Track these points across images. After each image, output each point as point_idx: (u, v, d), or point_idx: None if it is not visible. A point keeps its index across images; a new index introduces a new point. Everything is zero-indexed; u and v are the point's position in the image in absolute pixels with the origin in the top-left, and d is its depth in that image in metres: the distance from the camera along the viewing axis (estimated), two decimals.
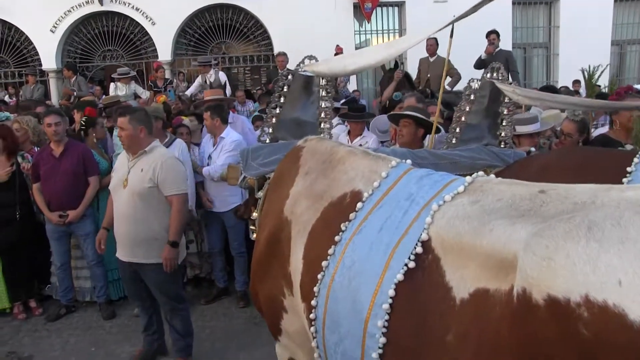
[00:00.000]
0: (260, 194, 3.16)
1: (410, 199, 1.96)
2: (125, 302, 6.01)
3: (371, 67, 3.93)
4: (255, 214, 3.22)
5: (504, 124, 3.81)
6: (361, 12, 13.72)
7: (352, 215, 2.09)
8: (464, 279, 1.61)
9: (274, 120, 3.74)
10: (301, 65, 3.72)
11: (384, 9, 14.33)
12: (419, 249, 1.77)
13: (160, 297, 4.44)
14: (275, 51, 13.37)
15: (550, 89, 7.99)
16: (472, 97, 3.84)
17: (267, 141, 3.71)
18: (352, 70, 3.49)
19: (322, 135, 3.66)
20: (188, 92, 10.44)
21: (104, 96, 11.23)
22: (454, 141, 3.82)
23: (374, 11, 13.85)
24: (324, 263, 2.06)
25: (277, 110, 3.74)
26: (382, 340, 1.76)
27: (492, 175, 1.96)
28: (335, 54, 11.24)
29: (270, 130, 3.73)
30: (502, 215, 1.62)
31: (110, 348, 5.08)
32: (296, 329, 2.48)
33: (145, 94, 10.67)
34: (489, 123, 3.79)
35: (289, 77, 3.73)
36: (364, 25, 14.24)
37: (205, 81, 10.33)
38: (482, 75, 3.86)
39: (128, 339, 5.24)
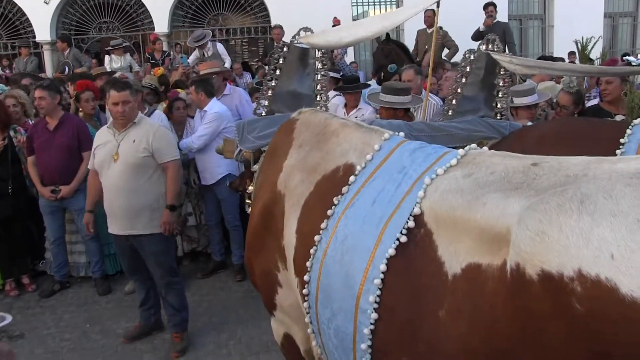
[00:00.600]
0: (256, 167, 3.13)
1: (403, 172, 1.93)
2: (121, 277, 5.99)
3: (367, 39, 3.87)
4: (251, 187, 3.19)
5: (500, 95, 3.77)
6: None
7: (344, 189, 2.06)
8: (456, 254, 1.59)
9: (269, 92, 3.70)
10: (297, 37, 3.66)
11: None
12: (411, 223, 1.74)
13: (155, 270, 4.44)
14: (273, 23, 13.23)
15: (547, 59, 7.94)
16: (467, 68, 3.79)
17: (263, 114, 3.67)
18: (347, 42, 3.44)
19: (317, 107, 3.62)
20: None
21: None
22: (450, 113, 3.78)
23: None
24: (316, 237, 2.04)
25: (273, 83, 3.69)
26: (374, 315, 1.74)
27: (485, 148, 1.92)
28: (333, 26, 11.11)
29: (266, 102, 3.69)
30: (495, 189, 1.60)
31: (105, 324, 5.06)
32: (290, 303, 2.47)
33: (138, 67, 10.56)
34: (485, 95, 3.75)
35: (285, 49, 3.67)
36: None
37: (203, 54, 10.19)
38: (478, 47, 3.80)
39: (124, 314, 5.23)
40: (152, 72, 8.07)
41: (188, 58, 11.67)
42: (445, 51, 10.10)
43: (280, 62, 3.70)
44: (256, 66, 11.67)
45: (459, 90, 3.77)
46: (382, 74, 8.92)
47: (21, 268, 5.91)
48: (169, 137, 4.48)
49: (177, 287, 4.55)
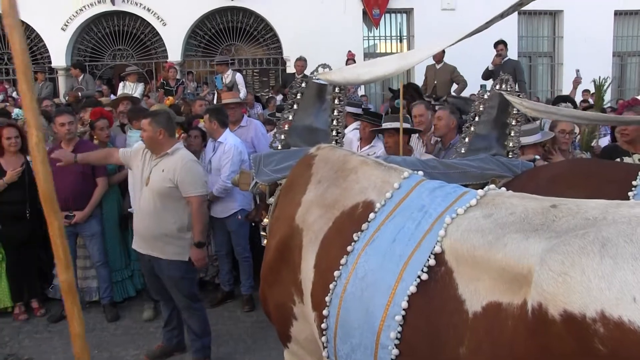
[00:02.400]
0: (271, 200, 3.18)
1: (423, 210, 1.97)
2: (129, 304, 6.02)
3: (384, 78, 3.96)
4: (266, 220, 3.24)
5: (511, 134, 3.83)
6: (370, 18, 13.79)
7: (364, 226, 2.11)
8: (477, 292, 1.63)
9: (286, 126, 3.76)
10: (315, 73, 3.74)
11: (393, 15, 14.45)
12: (432, 261, 1.78)
13: (175, 295, 4.53)
14: (285, 55, 13.50)
15: (565, 98, 8.05)
16: (481, 107, 3.86)
17: (279, 147, 3.73)
18: (365, 80, 3.51)
19: (333, 142, 3.68)
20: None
21: (111, 95, 11.29)
22: (463, 150, 3.83)
23: (382, 17, 13.94)
24: (336, 273, 2.07)
25: (290, 117, 3.76)
26: (395, 352, 1.77)
27: (503, 189, 1.97)
28: (347, 60, 11.33)
29: (283, 136, 3.75)
30: (515, 230, 1.64)
31: (114, 351, 5.05)
32: (306, 336, 2.49)
33: (153, 95, 10.72)
34: (498, 133, 3.81)
35: (303, 84, 3.76)
36: (372, 31, 14.31)
37: (222, 79, 10.34)
38: (492, 87, 3.88)
39: (133, 341, 5.23)
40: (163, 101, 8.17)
41: (200, 86, 11.89)
42: (454, 86, 10.21)
43: (298, 96, 3.78)
44: (267, 97, 11.85)
45: (472, 129, 3.83)
46: (390, 109, 9.03)
47: (31, 292, 5.93)
48: (196, 171, 4.49)
49: (198, 313, 4.61)
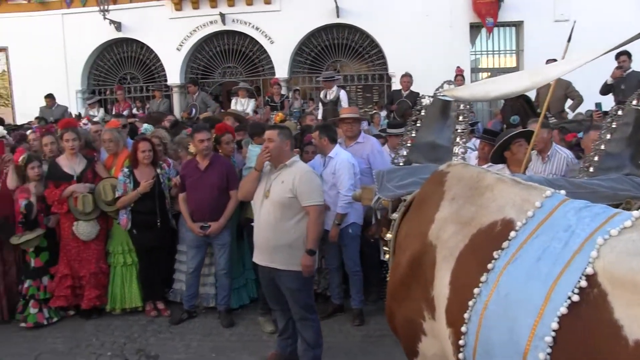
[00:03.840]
0: (394, 215, 3.21)
1: (569, 230, 1.94)
2: (243, 312, 6.24)
3: (515, 95, 3.88)
4: (389, 235, 3.25)
5: None
6: (476, 32, 13.56)
7: (505, 244, 2.09)
8: (638, 318, 1.58)
9: (409, 142, 3.79)
10: (440, 89, 3.75)
11: (501, 29, 14.10)
12: (584, 283, 1.75)
13: (292, 305, 4.64)
14: (390, 71, 13.52)
15: None
16: (614, 124, 3.70)
17: (401, 163, 3.77)
18: (494, 97, 3.49)
19: (454, 159, 3.67)
20: (319, 116, 10.59)
21: (221, 110, 11.78)
22: (591, 170, 3.69)
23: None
24: (475, 290, 2.07)
25: (413, 133, 3.79)
26: None
27: None
28: (456, 76, 11.20)
29: (405, 152, 3.78)
30: None
31: (230, 355, 5.25)
32: (434, 352, 2.49)
33: (258, 110, 11.09)
34: (632, 152, 3.63)
35: (427, 100, 3.78)
36: (480, 45, 14.03)
37: (326, 95, 10.50)
38: (627, 102, 3.71)
39: (246, 347, 5.40)
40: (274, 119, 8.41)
41: (306, 102, 12.16)
42: (569, 102, 9.83)
43: (422, 113, 3.80)
44: (372, 113, 11.93)
45: (602, 147, 3.69)
46: (505, 125, 8.85)
47: (158, 294, 6.34)
48: (314, 182, 4.62)
49: (312, 324, 4.69)
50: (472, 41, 13.98)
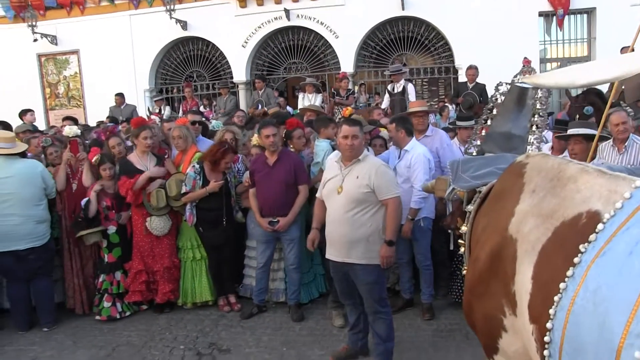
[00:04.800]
0: (469, 207, 3.12)
1: None
2: (312, 307, 6.24)
3: (604, 82, 3.67)
4: (464, 228, 3.17)
5: None
6: (549, 20, 13.07)
7: (592, 237, 1.97)
8: None
9: (483, 132, 3.65)
10: (519, 76, 3.58)
11: (572, 16, 13.63)
12: None
13: (367, 299, 4.63)
14: (456, 64, 13.22)
15: None
16: None
17: (474, 153, 3.63)
18: (581, 84, 3.29)
19: (529, 148, 3.49)
20: (383, 106, 10.48)
21: (287, 107, 11.80)
22: None
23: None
24: (561, 285, 1.97)
25: (488, 122, 3.64)
26: None
27: None
28: (523, 66, 10.78)
29: (479, 142, 3.64)
30: None
31: (301, 350, 5.25)
32: (516, 349, 2.41)
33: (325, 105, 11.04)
34: None
35: (505, 88, 3.61)
36: (550, 34, 13.54)
37: (394, 88, 10.35)
38: None
39: (317, 342, 5.40)
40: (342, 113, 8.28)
41: (372, 96, 12.02)
42: None
43: (499, 101, 3.64)
44: (440, 106, 11.68)
45: None
46: (578, 116, 8.43)
47: (228, 289, 6.40)
48: (390, 175, 4.65)
49: (385, 318, 4.67)
50: (542, 30, 13.48)
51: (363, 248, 4.48)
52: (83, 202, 6.10)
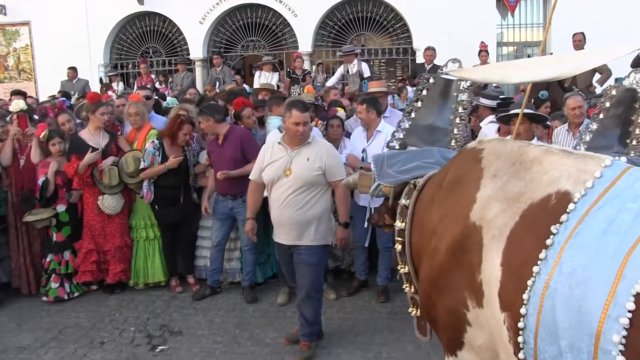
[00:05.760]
0: (404, 201, 3.06)
1: (638, 201, 1.77)
2: (266, 287, 6.18)
3: (540, 82, 3.65)
4: (399, 223, 3.09)
5: (636, 132, 3.47)
6: (504, 5, 13.17)
7: (563, 217, 1.92)
8: None
9: (407, 124, 3.62)
10: (444, 68, 3.56)
11: (528, 1, 13.69)
12: None
13: (304, 280, 4.58)
14: (414, 45, 13.23)
15: None
16: (607, 103, 3.57)
17: (397, 147, 3.60)
18: (515, 82, 3.28)
19: (452, 141, 3.50)
20: (329, 83, 10.43)
21: (244, 85, 11.62)
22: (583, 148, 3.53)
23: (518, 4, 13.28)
24: (534, 268, 1.91)
25: (413, 115, 3.61)
26: (620, 358, 1.59)
27: None
28: (480, 51, 10.93)
29: (402, 135, 3.61)
30: None
31: (254, 332, 5.18)
32: (481, 343, 2.33)
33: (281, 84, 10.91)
34: (621, 131, 3.51)
35: (430, 80, 3.59)
36: (507, 19, 13.66)
37: (348, 71, 10.32)
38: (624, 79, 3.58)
39: (271, 324, 5.34)
40: (305, 90, 8.17)
41: (329, 76, 11.93)
42: (597, 76, 9.49)
43: (424, 93, 3.61)
44: (398, 87, 11.66)
45: (594, 126, 3.54)
46: (533, 100, 8.55)
47: (187, 269, 6.33)
48: (338, 156, 4.70)
49: (315, 303, 4.66)
50: (503, 14, 13.57)
51: (313, 230, 4.49)
52: (40, 181, 5.89)
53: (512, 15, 13.48)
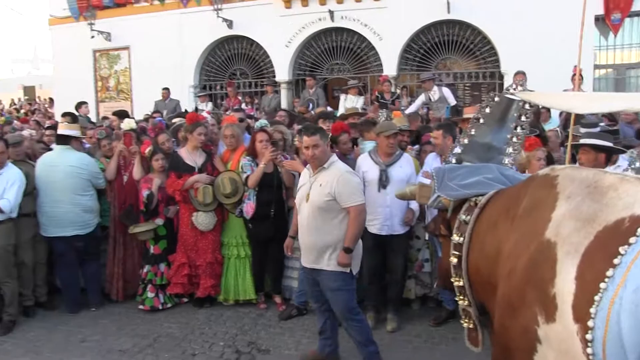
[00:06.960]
0: (464, 217, 3.15)
1: None
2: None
3: (604, 112, 3.59)
4: (456, 237, 3.18)
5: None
6: (605, 25, 12.52)
7: (632, 239, 2.08)
8: None
9: (466, 140, 3.64)
10: (510, 88, 3.56)
11: (635, 18, 12.81)
12: None
13: (334, 305, 4.73)
14: (502, 69, 12.96)
15: None
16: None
17: (453, 161, 3.64)
18: (580, 112, 3.26)
19: (505, 159, 3.56)
20: (409, 110, 10.34)
21: (329, 107, 11.75)
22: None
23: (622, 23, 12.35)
24: (601, 285, 2.07)
25: (473, 132, 3.62)
26: None
27: None
28: (573, 75, 10.49)
29: (459, 150, 3.63)
30: None
31: (342, 355, 5.11)
32: None
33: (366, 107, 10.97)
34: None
35: (495, 99, 3.59)
36: (608, 40, 12.92)
37: (429, 98, 10.28)
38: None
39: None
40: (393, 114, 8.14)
41: (413, 100, 11.89)
42: None
43: (487, 110, 3.63)
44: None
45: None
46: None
47: (275, 287, 6.45)
48: (353, 182, 4.65)
49: (357, 325, 4.73)
50: (604, 35, 12.81)
51: (329, 255, 4.59)
52: (145, 194, 6.24)
53: (615, 35, 12.75)
